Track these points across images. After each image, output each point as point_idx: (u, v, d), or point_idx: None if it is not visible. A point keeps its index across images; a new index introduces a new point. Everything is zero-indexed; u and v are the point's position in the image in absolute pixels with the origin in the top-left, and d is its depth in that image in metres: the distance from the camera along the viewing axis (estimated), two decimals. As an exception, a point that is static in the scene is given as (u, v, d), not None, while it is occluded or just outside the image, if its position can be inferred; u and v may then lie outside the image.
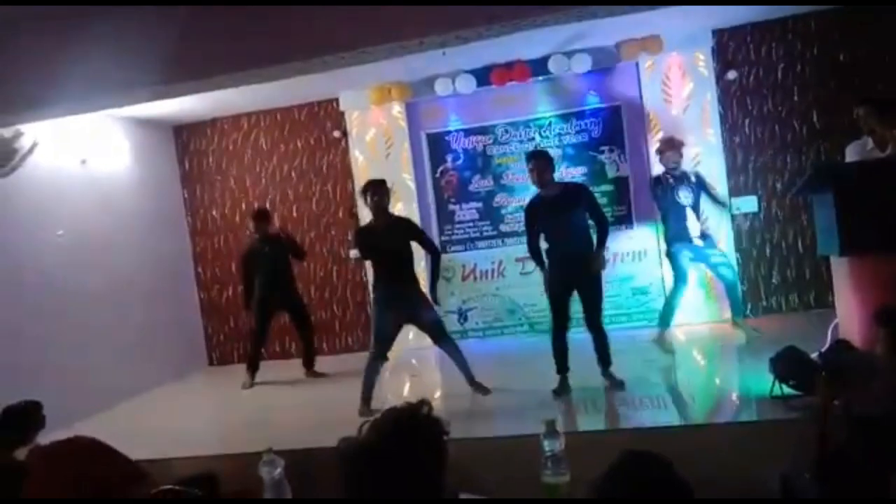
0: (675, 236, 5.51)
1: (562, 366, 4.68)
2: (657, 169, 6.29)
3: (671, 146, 5.59)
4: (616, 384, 4.59)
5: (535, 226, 4.71)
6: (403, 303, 4.75)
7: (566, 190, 4.70)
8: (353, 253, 6.54)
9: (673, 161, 5.54)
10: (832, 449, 2.41)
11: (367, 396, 4.75)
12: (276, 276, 6.00)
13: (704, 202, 5.67)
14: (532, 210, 4.73)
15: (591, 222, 4.68)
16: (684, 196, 5.46)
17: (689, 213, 5.46)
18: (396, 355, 5.44)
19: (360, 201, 5.44)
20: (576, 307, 4.69)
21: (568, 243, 4.57)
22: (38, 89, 4.13)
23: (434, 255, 5.00)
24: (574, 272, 4.56)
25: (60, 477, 3.02)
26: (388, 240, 4.71)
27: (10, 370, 4.83)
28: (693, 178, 5.57)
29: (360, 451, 1.49)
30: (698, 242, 5.49)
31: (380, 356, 4.83)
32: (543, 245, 4.76)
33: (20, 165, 5.30)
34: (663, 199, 5.56)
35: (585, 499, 1.44)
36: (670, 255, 5.57)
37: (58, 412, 3.73)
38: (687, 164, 5.78)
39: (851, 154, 4.23)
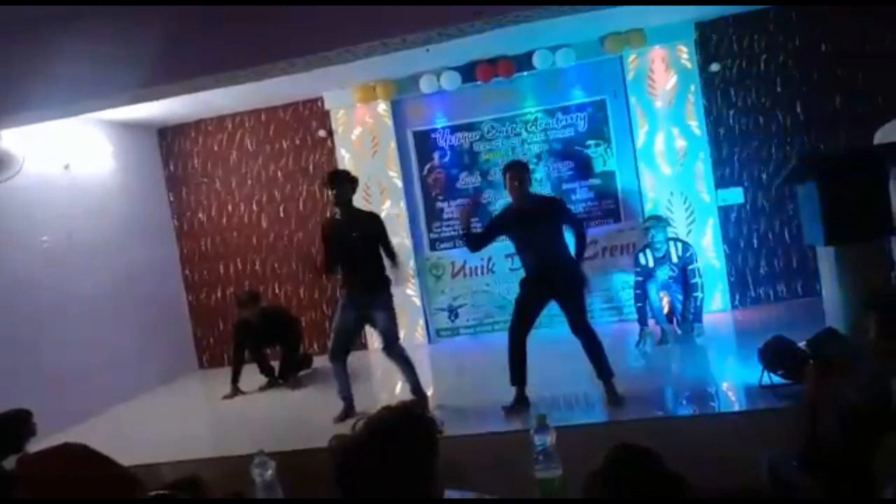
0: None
1: (519, 377, 4.29)
2: (646, 162, 6.34)
3: None
4: (615, 399, 4.14)
5: (494, 233, 4.42)
6: (363, 301, 4.51)
7: (542, 203, 4.47)
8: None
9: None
10: (819, 436, 2.43)
11: (343, 395, 4.60)
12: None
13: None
14: (501, 221, 4.47)
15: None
16: None
17: None
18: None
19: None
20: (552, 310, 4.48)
21: (546, 256, 4.25)
22: (18, 94, 4.09)
23: (391, 257, 4.61)
24: (553, 284, 4.25)
25: (50, 485, 2.99)
26: (349, 233, 4.44)
27: (-3, 378, 4.79)
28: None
29: (353, 446, 1.47)
30: None
31: (335, 352, 4.58)
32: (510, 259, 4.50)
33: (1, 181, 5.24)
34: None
35: (582, 499, 1.43)
36: None
37: (47, 418, 3.71)
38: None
39: (885, 136, 4.11)
